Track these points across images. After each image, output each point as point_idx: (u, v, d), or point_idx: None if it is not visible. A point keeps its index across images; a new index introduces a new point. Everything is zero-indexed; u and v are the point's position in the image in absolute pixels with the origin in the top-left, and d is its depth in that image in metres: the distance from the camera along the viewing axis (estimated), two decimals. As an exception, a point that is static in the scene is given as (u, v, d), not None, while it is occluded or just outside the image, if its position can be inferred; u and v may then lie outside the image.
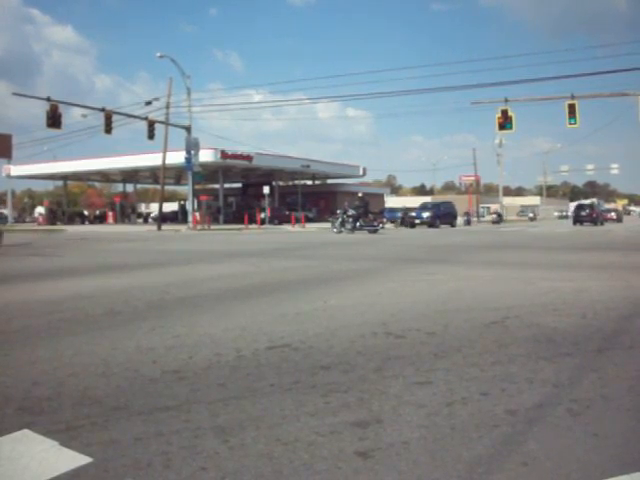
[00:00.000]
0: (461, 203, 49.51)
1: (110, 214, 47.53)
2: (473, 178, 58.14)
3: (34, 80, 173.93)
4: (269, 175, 45.73)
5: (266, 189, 36.70)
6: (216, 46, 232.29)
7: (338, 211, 26.03)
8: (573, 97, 23.34)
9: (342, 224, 24.60)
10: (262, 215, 35.86)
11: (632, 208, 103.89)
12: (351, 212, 24.68)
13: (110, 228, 34.11)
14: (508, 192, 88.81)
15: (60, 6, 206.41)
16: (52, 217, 43.26)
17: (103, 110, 26.59)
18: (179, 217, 43.56)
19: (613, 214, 47.19)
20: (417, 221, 33.25)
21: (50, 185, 67.11)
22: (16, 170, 46.78)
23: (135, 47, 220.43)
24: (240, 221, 34.76)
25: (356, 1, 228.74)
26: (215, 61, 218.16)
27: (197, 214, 32.22)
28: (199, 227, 30.52)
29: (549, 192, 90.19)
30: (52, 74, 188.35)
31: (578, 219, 36.10)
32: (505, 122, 24.08)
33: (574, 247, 14.17)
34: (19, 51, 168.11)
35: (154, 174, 45.12)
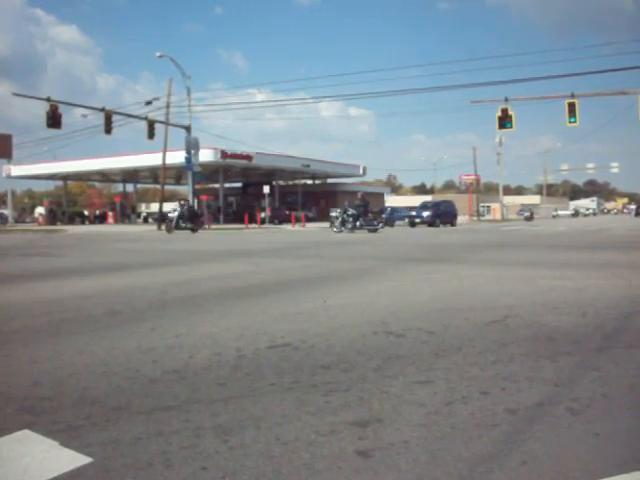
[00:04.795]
0: (461, 202, 49.50)
1: (110, 214, 47.55)
2: (473, 177, 58.14)
3: (38, 80, 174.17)
4: (269, 175, 45.71)
5: (266, 189, 36.68)
6: (221, 45, 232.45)
7: (332, 211, 26.29)
8: (573, 96, 23.35)
9: (342, 223, 24.59)
10: (262, 215, 35.86)
11: (632, 207, 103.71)
12: (351, 211, 24.68)
13: (110, 228, 34.12)
14: (508, 191, 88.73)
15: (65, 6, 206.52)
16: (52, 217, 43.28)
17: (103, 110, 26.62)
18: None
19: None
20: (417, 220, 33.28)
21: (50, 185, 67.17)
22: (16, 170, 46.77)
23: (140, 46, 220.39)
24: (240, 221, 34.77)
25: (363, 0, 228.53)
26: (219, 60, 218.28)
27: (197, 214, 32.19)
28: (199, 227, 30.49)
29: (549, 191, 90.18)
30: (56, 74, 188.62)
31: (638, 213, 58.58)
32: (505, 121, 24.12)
33: (574, 246, 14.17)
34: (23, 51, 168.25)
35: (154, 174, 45.15)
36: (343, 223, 24.59)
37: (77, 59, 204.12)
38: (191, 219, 25.92)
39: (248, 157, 38.48)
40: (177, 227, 24.95)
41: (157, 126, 29.23)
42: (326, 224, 30.54)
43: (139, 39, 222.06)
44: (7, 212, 48.47)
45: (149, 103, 30.33)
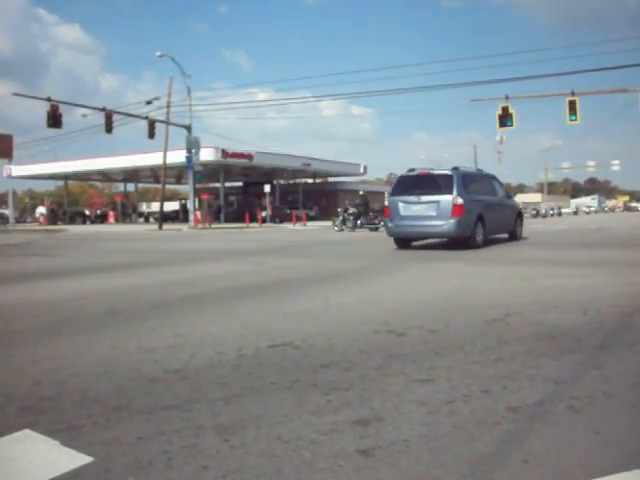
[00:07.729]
0: (462, 200, 49.32)
1: (111, 214, 47.60)
2: (474, 175, 58.06)
3: (41, 80, 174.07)
4: (270, 174, 45.69)
5: (267, 188, 36.71)
6: (225, 44, 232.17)
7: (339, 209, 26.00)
8: (573, 93, 23.30)
9: (343, 222, 24.57)
10: (263, 214, 35.89)
11: (634, 204, 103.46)
12: (352, 210, 24.66)
13: (111, 228, 34.14)
14: (509, 189, 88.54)
15: (68, 6, 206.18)
16: (53, 217, 43.36)
17: (104, 110, 26.64)
18: (180, 216, 43.57)
19: None
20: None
21: (51, 185, 67.29)
22: (17, 170, 46.82)
23: (143, 46, 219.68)
24: (241, 220, 34.77)
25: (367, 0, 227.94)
26: (222, 59, 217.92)
27: (198, 213, 32.24)
28: (200, 226, 30.52)
29: (550, 189, 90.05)
30: (59, 74, 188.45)
31: None
32: (506, 119, 24.07)
33: (574, 244, 14.15)
34: (26, 51, 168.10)
35: (155, 173, 45.15)
36: (344, 222, 24.57)
37: (80, 59, 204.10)
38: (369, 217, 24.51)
39: (249, 156, 38.49)
40: (357, 226, 23.83)
41: (158, 125, 29.24)
42: (327, 223, 30.53)
43: (142, 38, 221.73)
44: (8, 212, 48.48)
45: (149, 103, 30.34)
